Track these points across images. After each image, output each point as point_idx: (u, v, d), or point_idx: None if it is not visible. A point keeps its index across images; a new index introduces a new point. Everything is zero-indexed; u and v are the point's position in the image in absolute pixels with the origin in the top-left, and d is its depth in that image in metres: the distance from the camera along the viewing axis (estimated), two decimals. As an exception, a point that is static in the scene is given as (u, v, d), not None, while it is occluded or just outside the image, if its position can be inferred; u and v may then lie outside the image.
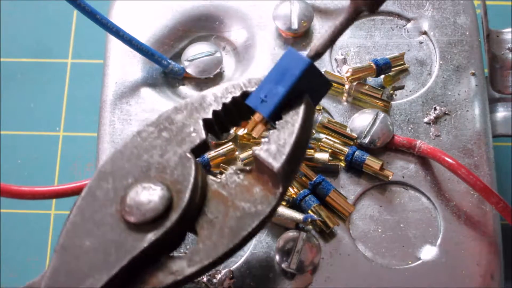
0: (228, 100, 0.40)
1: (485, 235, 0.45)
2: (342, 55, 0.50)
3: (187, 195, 0.38)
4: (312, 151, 0.46)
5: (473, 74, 0.49)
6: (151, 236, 0.37)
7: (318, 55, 0.39)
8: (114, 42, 0.50)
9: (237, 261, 0.44)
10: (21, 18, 0.64)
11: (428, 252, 0.45)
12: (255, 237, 0.44)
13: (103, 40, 0.51)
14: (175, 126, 0.40)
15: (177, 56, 0.50)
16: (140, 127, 0.41)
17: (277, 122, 0.39)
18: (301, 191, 0.45)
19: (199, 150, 0.40)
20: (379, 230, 0.45)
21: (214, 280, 0.43)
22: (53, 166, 0.60)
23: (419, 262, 0.44)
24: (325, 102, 0.48)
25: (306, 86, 0.39)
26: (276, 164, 0.38)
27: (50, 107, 0.61)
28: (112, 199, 0.38)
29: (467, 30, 0.50)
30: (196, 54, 0.49)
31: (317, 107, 0.48)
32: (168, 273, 0.37)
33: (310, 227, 0.44)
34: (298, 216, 0.44)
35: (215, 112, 0.40)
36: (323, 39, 0.39)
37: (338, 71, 0.49)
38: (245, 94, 0.40)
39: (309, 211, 0.44)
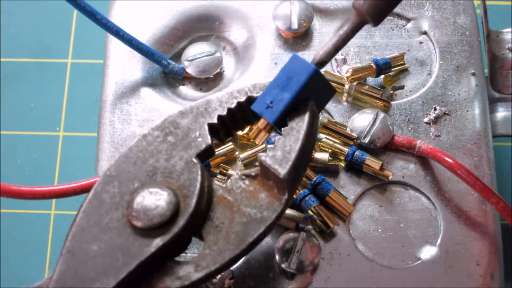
0: (233, 105, 0.41)
1: (485, 235, 0.45)
2: (342, 55, 0.50)
3: (193, 200, 0.38)
4: (312, 151, 0.46)
5: (473, 74, 0.49)
6: (158, 242, 0.37)
7: (322, 63, 0.39)
8: (114, 42, 0.50)
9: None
10: (21, 18, 0.64)
11: (428, 252, 0.45)
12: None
13: (103, 40, 0.51)
14: (180, 130, 0.40)
15: (177, 56, 0.50)
16: (145, 131, 0.41)
17: (282, 129, 0.39)
18: (301, 191, 0.45)
19: (205, 155, 0.40)
20: (379, 230, 0.45)
21: (214, 280, 0.43)
22: (53, 166, 0.60)
23: (419, 262, 0.44)
24: (325, 102, 0.48)
25: (311, 93, 0.39)
26: (283, 170, 0.38)
27: (50, 107, 0.61)
28: (118, 203, 0.39)
29: (467, 30, 0.50)
30: (196, 54, 0.49)
31: (317, 107, 0.48)
32: (175, 278, 0.37)
33: (310, 227, 0.44)
34: (298, 216, 0.44)
35: (220, 117, 0.41)
36: (327, 48, 0.39)
37: (338, 71, 0.49)
38: (250, 99, 0.40)
39: (309, 211, 0.44)
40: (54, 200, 0.58)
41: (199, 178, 0.39)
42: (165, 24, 0.51)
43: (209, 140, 0.40)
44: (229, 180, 0.40)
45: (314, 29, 0.51)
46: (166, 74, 0.50)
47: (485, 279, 0.44)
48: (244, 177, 0.40)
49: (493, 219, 0.45)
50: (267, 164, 0.38)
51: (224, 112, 0.41)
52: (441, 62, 0.50)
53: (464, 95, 0.49)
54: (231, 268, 0.44)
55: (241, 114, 0.41)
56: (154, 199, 0.38)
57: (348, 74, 0.48)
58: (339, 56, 0.49)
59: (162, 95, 0.49)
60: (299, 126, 0.39)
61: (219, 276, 0.43)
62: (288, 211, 0.44)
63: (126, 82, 0.49)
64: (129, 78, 0.50)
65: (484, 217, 0.45)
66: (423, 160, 0.47)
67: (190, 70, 0.49)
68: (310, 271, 0.44)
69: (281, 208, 0.39)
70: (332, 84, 0.48)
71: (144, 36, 0.50)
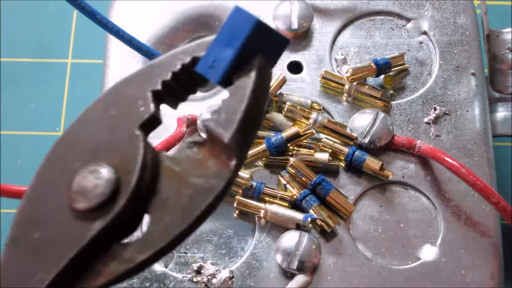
0: (177, 68, 0.37)
1: (485, 235, 0.45)
2: (342, 55, 0.50)
3: (135, 175, 0.35)
4: (312, 151, 0.46)
5: (473, 74, 0.49)
6: (98, 224, 0.34)
7: None
8: (114, 42, 0.50)
9: (237, 261, 0.44)
10: (21, 18, 0.64)
11: (428, 252, 0.45)
12: (254, 237, 0.44)
13: (103, 40, 0.51)
14: (124, 100, 0.37)
15: (177, 56, 0.50)
16: (88, 105, 0.38)
17: (226, 88, 0.35)
18: (302, 191, 0.45)
19: (149, 125, 0.37)
20: (379, 230, 0.45)
21: (214, 280, 0.43)
22: (53, 166, 0.59)
23: (419, 262, 0.44)
24: (325, 102, 0.48)
25: (258, 46, 0.35)
26: (227, 134, 0.34)
27: (50, 107, 0.61)
28: (61, 185, 0.36)
29: (467, 30, 0.50)
30: (196, 54, 0.49)
31: (317, 107, 0.48)
32: (120, 261, 0.34)
33: (310, 226, 0.44)
34: (298, 216, 0.44)
35: (164, 83, 0.37)
36: None
37: (338, 71, 0.49)
38: (195, 60, 0.37)
39: (310, 211, 0.44)
40: (54, 200, 0.58)
41: (140, 151, 0.35)
42: (165, 24, 0.51)
43: (152, 108, 0.36)
44: (176, 148, 0.37)
45: (314, 29, 0.51)
46: (166, 74, 0.50)
47: (485, 279, 0.44)
48: (191, 145, 0.36)
49: (493, 219, 0.45)
50: (210, 128, 0.35)
51: (168, 77, 0.37)
52: (441, 62, 0.50)
53: (464, 95, 0.49)
54: (231, 268, 0.44)
55: (188, 77, 0.37)
56: (93, 178, 0.35)
57: (348, 74, 0.48)
58: (339, 56, 0.49)
59: (162, 95, 0.49)
60: (245, 83, 0.35)
61: (219, 276, 0.43)
62: (288, 211, 0.44)
63: (126, 82, 0.49)
64: (129, 78, 0.49)
65: (484, 217, 0.45)
66: (423, 160, 0.47)
67: (190, 70, 0.49)
68: (310, 271, 0.44)
69: (229, 175, 0.35)
70: (332, 84, 0.49)
71: (144, 36, 0.50)
